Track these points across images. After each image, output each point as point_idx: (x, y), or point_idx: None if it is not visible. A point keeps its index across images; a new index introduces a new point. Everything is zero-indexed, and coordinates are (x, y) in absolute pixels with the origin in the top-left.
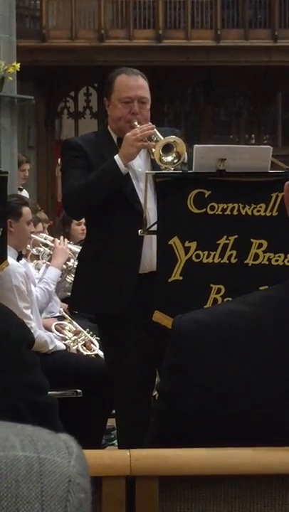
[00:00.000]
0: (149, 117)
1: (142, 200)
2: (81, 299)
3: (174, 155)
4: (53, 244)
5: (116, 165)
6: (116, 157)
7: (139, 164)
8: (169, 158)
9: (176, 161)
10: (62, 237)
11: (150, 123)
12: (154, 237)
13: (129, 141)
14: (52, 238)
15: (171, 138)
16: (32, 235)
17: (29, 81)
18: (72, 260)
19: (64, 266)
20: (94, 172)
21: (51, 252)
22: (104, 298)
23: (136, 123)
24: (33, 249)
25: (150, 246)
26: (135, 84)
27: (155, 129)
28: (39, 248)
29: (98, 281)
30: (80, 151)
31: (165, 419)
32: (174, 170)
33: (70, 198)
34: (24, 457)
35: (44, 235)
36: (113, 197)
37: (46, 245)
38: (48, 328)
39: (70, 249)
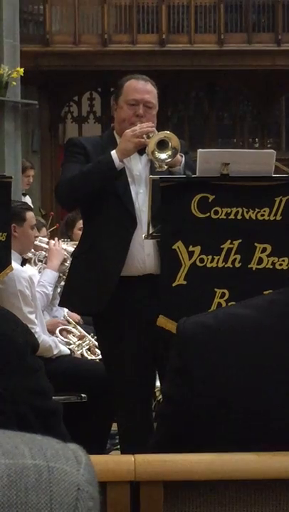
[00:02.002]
0: (155, 123)
1: (135, 203)
2: (67, 296)
3: (169, 153)
4: (47, 247)
5: (111, 159)
6: (113, 152)
7: (139, 169)
8: (163, 156)
9: (169, 160)
10: (56, 239)
11: (150, 123)
12: (149, 240)
13: (126, 137)
14: (46, 240)
15: (165, 133)
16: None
17: (33, 86)
18: (68, 261)
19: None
20: (89, 164)
21: (46, 255)
22: (85, 296)
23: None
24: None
25: (143, 249)
26: (143, 88)
27: (154, 128)
28: (34, 251)
29: (82, 279)
30: (81, 149)
31: (170, 422)
32: (168, 168)
33: (61, 187)
34: (33, 465)
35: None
36: (107, 197)
37: (41, 248)
38: (52, 331)
39: (66, 250)
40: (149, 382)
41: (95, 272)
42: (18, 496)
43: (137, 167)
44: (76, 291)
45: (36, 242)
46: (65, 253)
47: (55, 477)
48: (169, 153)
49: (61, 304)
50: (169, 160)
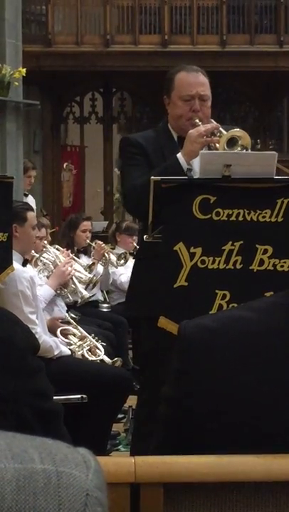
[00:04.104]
0: (210, 115)
1: None
2: (133, 299)
3: (238, 149)
4: (57, 263)
5: (178, 163)
6: (179, 155)
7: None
8: None
9: None
10: (68, 262)
11: (212, 120)
12: None
13: (192, 138)
14: (61, 259)
15: (237, 131)
16: (48, 246)
17: (35, 86)
18: (74, 286)
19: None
20: (156, 170)
21: (54, 270)
22: (152, 301)
23: (197, 120)
24: (40, 261)
25: None
26: (196, 81)
27: (218, 124)
28: (44, 260)
29: (149, 283)
30: (141, 149)
31: (170, 425)
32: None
33: (132, 197)
34: (42, 470)
35: (52, 250)
36: None
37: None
38: (53, 332)
39: (76, 275)
40: None
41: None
42: (27, 500)
43: (197, 165)
44: (144, 294)
45: (49, 250)
46: (69, 278)
47: (64, 482)
48: (239, 149)
49: (128, 307)
50: None
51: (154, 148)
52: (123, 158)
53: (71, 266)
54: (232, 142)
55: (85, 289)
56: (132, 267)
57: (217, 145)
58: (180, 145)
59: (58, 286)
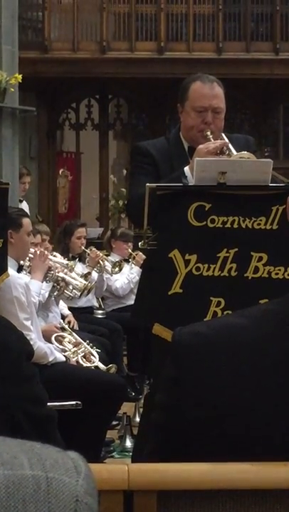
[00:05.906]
0: (223, 127)
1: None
2: (140, 308)
3: None
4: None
5: (185, 176)
6: (186, 169)
7: None
8: None
9: None
10: (42, 250)
11: (223, 135)
12: None
13: (200, 154)
14: (33, 250)
15: (245, 153)
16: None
17: (31, 92)
18: (56, 271)
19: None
20: (162, 181)
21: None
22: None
23: (208, 133)
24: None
25: None
26: (210, 93)
27: (227, 141)
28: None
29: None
30: (150, 158)
31: (163, 432)
32: None
33: (134, 205)
34: (32, 476)
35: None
36: None
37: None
38: (48, 338)
39: (57, 262)
40: None
41: None
42: (16, 507)
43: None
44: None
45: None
46: (50, 262)
47: (54, 488)
48: None
49: (134, 316)
50: None
51: (163, 157)
52: (132, 166)
53: (40, 251)
54: None
55: (80, 296)
56: (126, 273)
57: None
58: (190, 155)
59: (42, 275)
